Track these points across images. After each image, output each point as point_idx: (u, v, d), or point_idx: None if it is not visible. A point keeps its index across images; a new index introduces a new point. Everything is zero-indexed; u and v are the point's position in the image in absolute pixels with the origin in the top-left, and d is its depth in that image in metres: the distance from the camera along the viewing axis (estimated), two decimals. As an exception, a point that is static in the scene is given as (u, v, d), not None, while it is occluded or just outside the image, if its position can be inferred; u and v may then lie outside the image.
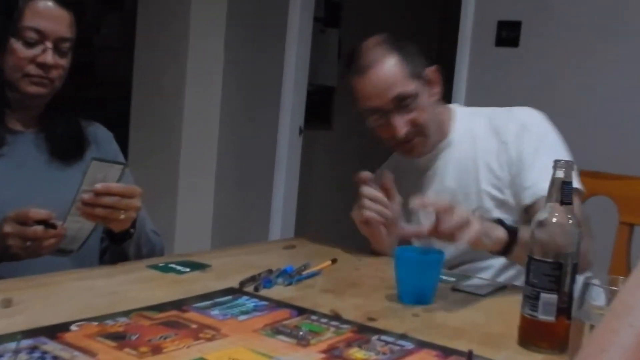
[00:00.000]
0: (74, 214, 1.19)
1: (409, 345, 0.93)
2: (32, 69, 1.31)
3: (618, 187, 1.65)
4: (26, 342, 0.84)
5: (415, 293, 1.13)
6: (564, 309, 0.94)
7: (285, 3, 3.52)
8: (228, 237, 3.55)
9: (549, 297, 0.94)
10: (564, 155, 1.35)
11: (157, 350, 0.85)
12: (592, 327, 0.80)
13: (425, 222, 1.25)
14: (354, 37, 4.57)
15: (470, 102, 2.95)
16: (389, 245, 1.42)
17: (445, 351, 0.91)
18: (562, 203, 0.96)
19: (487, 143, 1.46)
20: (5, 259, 1.20)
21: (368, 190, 1.41)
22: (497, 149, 1.44)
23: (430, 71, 1.45)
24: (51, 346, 0.84)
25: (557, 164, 0.97)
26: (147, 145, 3.63)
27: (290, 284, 1.22)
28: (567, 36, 2.82)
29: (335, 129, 4.30)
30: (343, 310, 1.06)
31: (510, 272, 1.43)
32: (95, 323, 0.93)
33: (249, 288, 1.16)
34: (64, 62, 1.34)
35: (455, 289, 1.25)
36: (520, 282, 1.25)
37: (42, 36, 1.30)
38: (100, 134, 1.48)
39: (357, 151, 4.36)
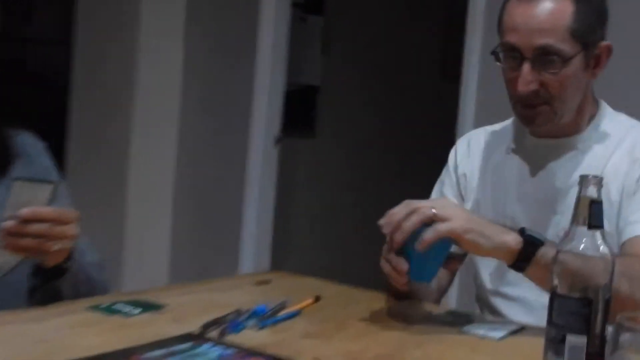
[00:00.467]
0: (-5, 245, 1.19)
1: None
2: None
3: None
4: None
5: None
6: (595, 355, 0.95)
7: (257, -16, 3.55)
8: (188, 271, 3.53)
9: (576, 341, 0.95)
10: None
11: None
12: (628, 376, 0.81)
13: None
14: (341, 26, 4.56)
15: (480, 101, 2.98)
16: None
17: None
18: (590, 226, 0.97)
19: (620, 160, 1.43)
20: None
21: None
22: (625, 170, 1.41)
23: (603, 46, 1.42)
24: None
25: (584, 179, 0.98)
26: (88, 157, 3.61)
27: (263, 327, 1.21)
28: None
29: (319, 137, 4.30)
30: (329, 358, 1.06)
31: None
32: (23, 378, 0.92)
33: (213, 333, 1.16)
34: None
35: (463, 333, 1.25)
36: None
37: None
38: (29, 144, 1.48)
39: (345, 163, 4.38)
